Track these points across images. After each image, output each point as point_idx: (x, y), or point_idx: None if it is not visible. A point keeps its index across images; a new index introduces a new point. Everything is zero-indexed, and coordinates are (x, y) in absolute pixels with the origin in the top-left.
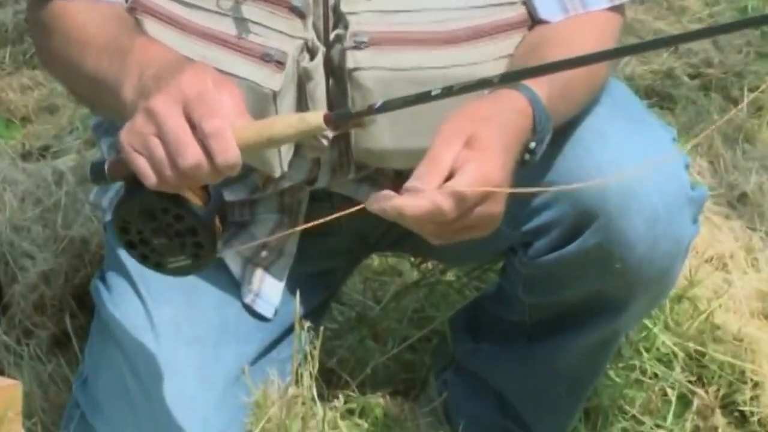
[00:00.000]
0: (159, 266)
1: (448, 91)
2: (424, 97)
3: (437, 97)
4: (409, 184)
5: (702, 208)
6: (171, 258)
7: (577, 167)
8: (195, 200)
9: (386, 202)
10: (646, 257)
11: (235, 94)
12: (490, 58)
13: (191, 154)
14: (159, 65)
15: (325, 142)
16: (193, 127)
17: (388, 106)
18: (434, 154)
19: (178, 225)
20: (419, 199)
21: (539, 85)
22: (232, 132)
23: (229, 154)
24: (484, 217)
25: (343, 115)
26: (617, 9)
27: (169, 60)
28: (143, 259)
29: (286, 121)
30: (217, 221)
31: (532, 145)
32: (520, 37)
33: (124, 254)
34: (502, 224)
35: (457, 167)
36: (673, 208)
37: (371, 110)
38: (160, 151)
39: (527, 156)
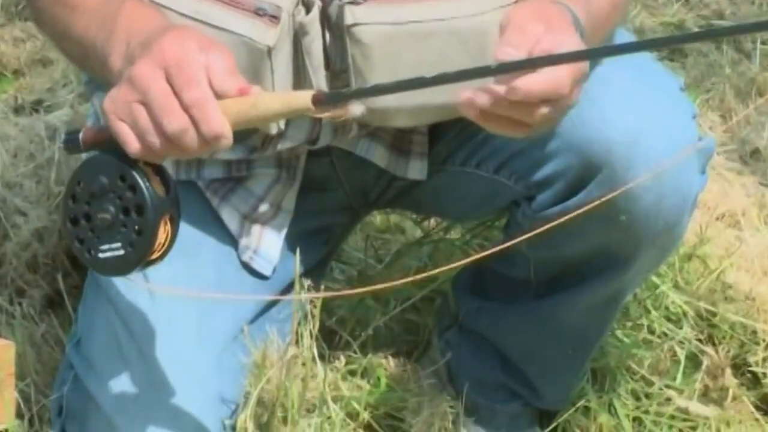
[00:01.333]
0: (90, 253)
1: (442, 77)
2: (417, 82)
3: (431, 81)
4: (504, 50)
5: (710, 158)
6: (105, 244)
7: (580, 115)
8: (155, 185)
9: (507, 84)
10: (653, 209)
11: (225, 53)
12: (491, 7)
13: (177, 120)
14: (146, 32)
15: None
16: (176, 94)
17: (379, 88)
18: (518, 27)
19: (129, 198)
20: (540, 75)
21: (579, 9)
22: (215, 101)
23: (213, 123)
24: (570, 105)
25: (333, 95)
26: None
27: (156, 26)
28: (78, 242)
29: (273, 97)
30: (167, 221)
31: None
32: None
33: None
34: (504, 177)
35: (549, 47)
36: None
37: (362, 92)
38: (144, 117)
39: None
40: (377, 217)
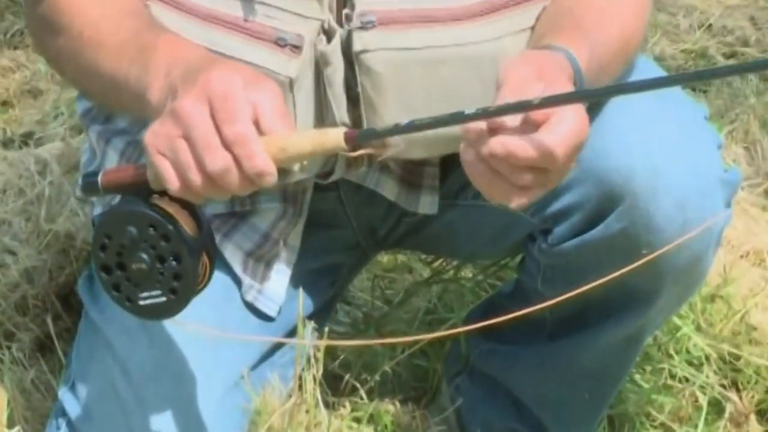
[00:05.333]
0: (130, 301)
1: (483, 112)
2: (456, 117)
3: (471, 117)
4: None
5: (736, 191)
6: (145, 292)
7: (599, 142)
8: (187, 227)
9: (493, 141)
10: None
11: (275, 93)
12: (506, 32)
13: (220, 158)
14: (187, 64)
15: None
16: (218, 129)
17: (416, 125)
18: (515, 91)
19: (163, 247)
20: (530, 141)
21: (579, 52)
22: (258, 138)
23: (256, 160)
24: (564, 172)
25: (367, 133)
26: None
27: (198, 58)
28: (115, 290)
29: (303, 138)
30: (204, 257)
31: None
32: (538, 8)
33: None
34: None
35: (549, 112)
36: (704, 190)
37: (397, 129)
38: (186, 153)
39: None
40: (384, 256)
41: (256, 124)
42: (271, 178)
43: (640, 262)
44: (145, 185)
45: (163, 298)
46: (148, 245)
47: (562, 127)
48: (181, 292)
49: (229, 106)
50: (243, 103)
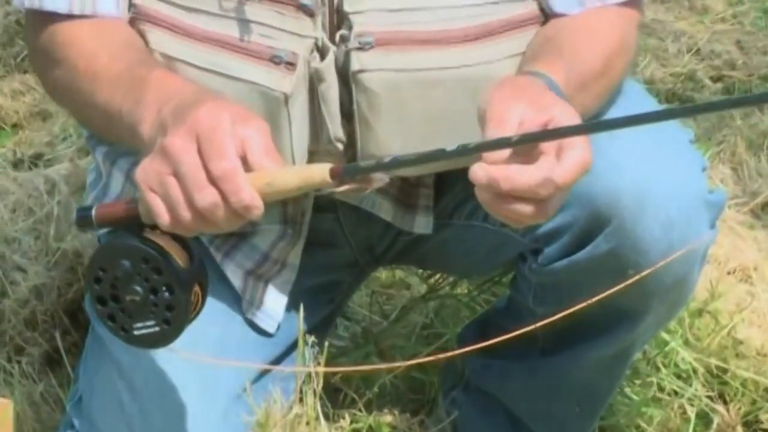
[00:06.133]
0: (125, 331)
1: (463, 149)
2: (437, 154)
3: (451, 154)
4: (492, 157)
5: (720, 212)
6: (139, 322)
7: None
8: (178, 259)
9: (496, 172)
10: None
11: (262, 129)
12: (501, 56)
13: (208, 194)
14: (178, 99)
15: (340, 146)
16: (205, 166)
17: (400, 162)
18: (497, 121)
19: (156, 279)
20: (532, 170)
21: (556, 74)
22: (243, 173)
23: (242, 195)
24: (562, 199)
25: (351, 169)
26: (635, 4)
27: (189, 94)
28: (110, 320)
29: (289, 173)
30: (196, 288)
31: None
32: (532, 33)
33: None
34: (511, 229)
35: (539, 125)
36: (689, 211)
37: (381, 165)
38: (176, 189)
39: None
40: (382, 273)
41: (244, 159)
42: (258, 211)
43: (627, 283)
44: (137, 219)
45: (157, 328)
46: (142, 278)
47: (568, 160)
48: (174, 322)
49: (216, 142)
50: (229, 139)
